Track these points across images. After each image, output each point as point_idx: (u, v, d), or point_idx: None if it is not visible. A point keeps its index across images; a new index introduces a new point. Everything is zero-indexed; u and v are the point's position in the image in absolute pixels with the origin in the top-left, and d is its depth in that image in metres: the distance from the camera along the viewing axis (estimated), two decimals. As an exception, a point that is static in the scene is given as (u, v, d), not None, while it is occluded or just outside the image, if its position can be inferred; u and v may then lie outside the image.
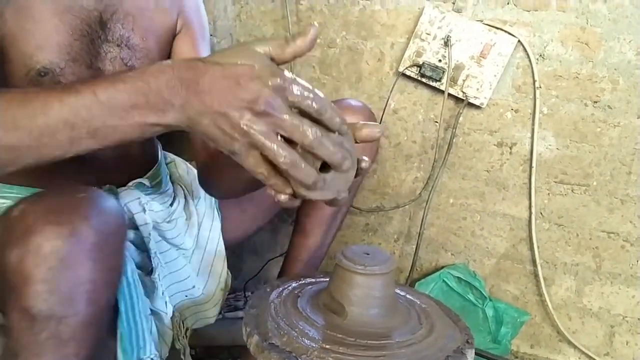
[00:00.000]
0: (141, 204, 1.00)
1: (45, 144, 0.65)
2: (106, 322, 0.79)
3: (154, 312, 0.99)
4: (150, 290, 0.99)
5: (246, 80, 0.59)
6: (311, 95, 0.60)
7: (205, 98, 0.60)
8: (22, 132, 0.64)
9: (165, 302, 1.00)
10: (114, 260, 0.74)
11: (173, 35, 1.08)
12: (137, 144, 1.06)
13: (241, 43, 0.63)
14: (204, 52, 1.12)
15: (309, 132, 0.60)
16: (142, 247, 1.02)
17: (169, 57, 1.08)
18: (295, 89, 0.60)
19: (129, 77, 0.63)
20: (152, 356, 0.92)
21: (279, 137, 0.60)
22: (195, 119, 0.62)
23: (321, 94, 0.62)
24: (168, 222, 1.05)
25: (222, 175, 1.02)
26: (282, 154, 0.60)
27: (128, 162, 1.05)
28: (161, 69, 0.63)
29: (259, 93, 0.59)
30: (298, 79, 0.61)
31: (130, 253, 1.00)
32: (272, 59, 0.62)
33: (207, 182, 1.07)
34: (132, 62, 0.99)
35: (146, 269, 1.00)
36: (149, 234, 1.00)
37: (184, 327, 1.07)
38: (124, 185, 1.03)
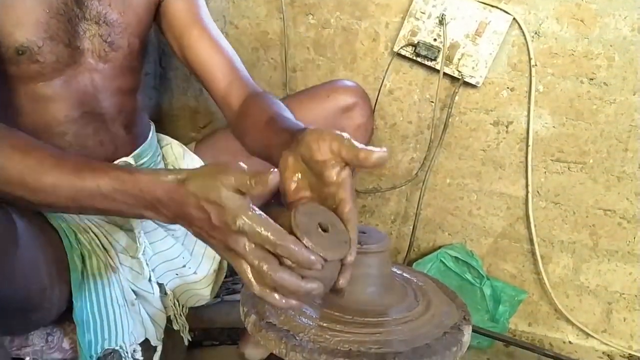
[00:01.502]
0: None
1: (51, 210, 0.81)
2: None
3: (140, 296, 1.00)
4: (135, 273, 0.99)
5: (216, 219, 0.64)
6: (271, 239, 0.63)
7: (190, 221, 0.68)
8: (34, 196, 0.73)
9: (151, 283, 1.00)
10: None
11: (156, 5, 1.08)
12: (121, 124, 1.06)
13: (211, 172, 0.67)
14: (201, 10, 1.12)
15: (274, 274, 0.63)
16: (128, 227, 1.02)
17: (149, 28, 1.08)
18: (254, 235, 0.63)
19: (128, 182, 0.70)
20: (122, 345, 0.93)
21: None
22: (182, 226, 0.71)
23: (281, 234, 0.63)
24: None
25: (244, 141, 1.04)
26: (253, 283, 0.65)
27: (112, 140, 1.04)
28: (154, 183, 0.69)
29: (225, 236, 0.64)
30: (259, 221, 0.63)
31: (115, 236, 1.00)
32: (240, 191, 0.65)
33: (238, 139, 1.08)
34: (112, 37, 0.99)
35: (132, 250, 1.00)
36: None
37: (179, 305, 1.07)
38: None
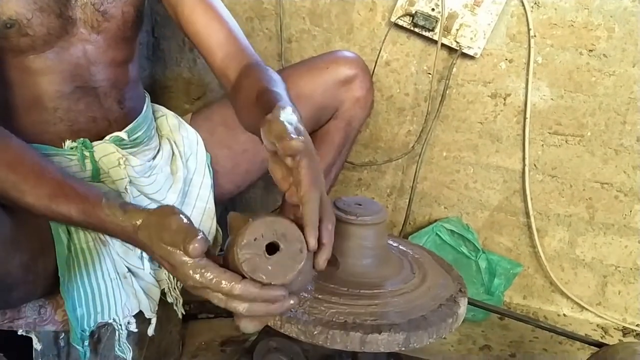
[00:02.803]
0: (117, 159, 0.99)
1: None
2: None
3: (132, 271, 0.99)
4: (126, 248, 0.98)
5: (170, 270, 0.69)
6: (226, 290, 0.64)
7: (159, 261, 0.71)
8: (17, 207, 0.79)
9: (142, 259, 1.00)
10: None
11: None
12: (115, 99, 1.04)
13: (157, 220, 0.70)
14: None
15: (249, 309, 0.66)
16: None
17: None
18: (210, 286, 0.65)
19: (94, 217, 0.76)
20: (115, 318, 0.94)
21: None
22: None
23: (234, 282, 0.64)
24: (148, 176, 1.03)
25: (238, 113, 1.02)
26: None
27: (105, 115, 1.02)
28: (116, 229, 0.75)
29: (184, 280, 0.67)
30: (208, 280, 0.64)
31: None
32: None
33: (234, 108, 1.05)
34: (105, 6, 0.96)
35: None
36: (125, 188, 0.99)
37: (173, 278, 1.07)
38: (101, 139, 1.01)
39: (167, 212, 0.70)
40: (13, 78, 0.93)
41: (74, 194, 0.78)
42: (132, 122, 1.07)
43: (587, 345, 1.17)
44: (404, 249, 0.96)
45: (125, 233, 0.74)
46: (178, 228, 0.66)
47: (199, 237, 0.63)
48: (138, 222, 0.72)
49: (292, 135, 0.65)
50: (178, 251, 0.65)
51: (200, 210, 1.14)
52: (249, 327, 0.71)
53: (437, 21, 1.40)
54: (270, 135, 0.67)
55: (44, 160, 0.83)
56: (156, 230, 0.68)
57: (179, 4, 1.06)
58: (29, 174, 0.78)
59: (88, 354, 0.90)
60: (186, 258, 0.64)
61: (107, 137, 1.02)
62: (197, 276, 0.64)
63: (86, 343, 0.89)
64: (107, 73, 1.02)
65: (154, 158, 1.09)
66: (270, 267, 0.64)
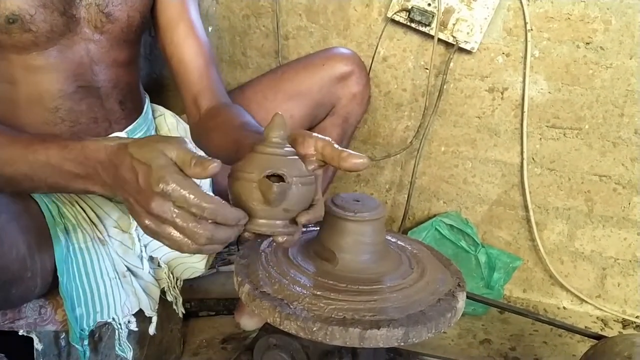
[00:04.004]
0: None
1: (11, 188, 0.79)
2: None
3: (131, 270, 0.99)
4: (126, 248, 0.98)
5: (142, 180, 0.64)
6: (200, 203, 0.62)
7: (122, 185, 0.67)
8: None
9: (142, 259, 1.00)
10: None
11: None
12: (116, 100, 1.04)
13: (156, 138, 0.68)
14: (191, 7, 1.10)
15: (196, 235, 0.63)
16: (119, 199, 1.01)
17: (152, 3, 1.06)
18: (179, 198, 0.62)
19: (75, 149, 0.72)
20: (115, 317, 0.94)
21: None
22: (118, 196, 0.70)
23: (207, 200, 0.63)
24: None
25: (208, 139, 1.02)
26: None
27: (106, 116, 1.03)
28: (99, 147, 0.71)
29: (148, 200, 0.63)
30: (185, 184, 0.63)
31: (105, 209, 0.99)
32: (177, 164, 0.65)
33: (198, 141, 1.07)
34: (109, 8, 0.96)
35: (125, 224, 1.00)
36: None
37: (173, 278, 1.07)
38: None
39: (173, 137, 0.69)
40: (16, 75, 0.93)
41: (52, 138, 0.76)
42: (132, 122, 1.08)
43: (586, 337, 1.17)
44: (403, 244, 0.96)
45: (110, 151, 0.69)
46: (188, 149, 0.66)
47: (216, 160, 0.64)
48: (127, 142, 0.69)
49: (352, 152, 0.72)
50: (171, 162, 0.64)
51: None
52: (249, 324, 0.72)
53: (433, 16, 1.40)
54: (326, 145, 0.75)
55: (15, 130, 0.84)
56: (154, 143, 0.66)
57: (170, 27, 1.09)
58: (1, 134, 0.78)
59: (88, 353, 0.90)
60: (175, 167, 0.64)
61: (106, 137, 1.02)
62: (173, 185, 0.62)
63: (85, 342, 0.89)
64: (110, 73, 1.02)
65: None
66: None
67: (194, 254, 0.65)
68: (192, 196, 0.62)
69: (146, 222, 0.65)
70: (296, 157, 0.73)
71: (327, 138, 0.75)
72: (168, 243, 0.65)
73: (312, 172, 0.74)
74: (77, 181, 0.74)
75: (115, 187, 0.69)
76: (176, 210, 0.62)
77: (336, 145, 0.74)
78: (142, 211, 0.65)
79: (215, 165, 0.63)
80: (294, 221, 0.73)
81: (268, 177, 0.68)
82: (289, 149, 0.73)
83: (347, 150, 0.72)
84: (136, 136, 1.08)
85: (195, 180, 1.03)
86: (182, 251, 0.65)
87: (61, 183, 0.75)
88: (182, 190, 0.62)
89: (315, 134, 0.76)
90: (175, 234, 0.64)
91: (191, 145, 0.66)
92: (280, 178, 0.69)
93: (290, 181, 0.69)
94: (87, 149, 0.72)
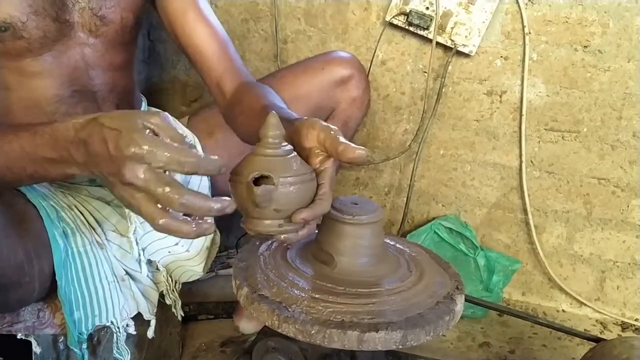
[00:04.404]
0: None
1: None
2: None
3: (130, 274, 0.99)
4: (124, 252, 0.98)
5: (112, 147, 0.59)
6: (178, 158, 0.59)
7: (95, 160, 0.63)
8: None
9: (140, 263, 1.00)
10: None
11: None
12: (113, 104, 1.04)
13: (133, 110, 0.69)
14: None
15: (180, 197, 0.58)
16: (117, 203, 1.01)
17: (145, 3, 1.06)
18: (157, 157, 0.58)
19: (46, 133, 0.68)
20: (113, 321, 0.94)
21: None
22: (95, 174, 0.65)
23: (185, 154, 0.59)
24: None
25: (237, 126, 1.03)
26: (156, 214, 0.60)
27: None
28: (67, 127, 0.66)
29: (120, 167, 0.58)
30: (157, 142, 0.59)
31: (104, 213, 0.99)
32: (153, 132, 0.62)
33: (228, 123, 1.09)
34: (103, 11, 0.96)
35: (123, 228, 1.00)
36: None
37: (172, 281, 1.07)
38: None
39: (150, 111, 0.66)
40: (11, 82, 0.93)
41: (25, 126, 0.72)
42: None
43: (586, 340, 1.17)
44: (401, 247, 0.96)
45: (80, 127, 0.65)
46: (166, 120, 0.63)
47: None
48: (97, 115, 0.65)
49: (351, 144, 0.72)
50: (142, 126, 0.60)
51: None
52: (249, 327, 0.71)
53: (431, 20, 1.41)
54: (327, 137, 0.74)
55: None
56: (131, 114, 0.63)
57: (179, 17, 1.08)
58: None
59: (86, 356, 0.90)
60: (145, 130, 0.60)
61: None
62: (145, 146, 0.58)
63: (84, 346, 0.89)
64: (106, 77, 1.02)
65: None
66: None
67: (165, 229, 0.60)
68: (167, 153, 0.58)
69: (121, 192, 0.61)
70: (293, 154, 0.74)
71: (330, 127, 0.75)
72: (143, 214, 0.61)
73: (320, 165, 0.75)
74: (54, 166, 0.69)
75: (89, 164, 0.65)
76: (149, 173, 0.58)
77: (339, 137, 0.73)
78: (116, 181, 0.61)
79: (219, 163, 0.61)
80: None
81: (258, 179, 0.70)
82: (285, 147, 0.74)
83: (346, 142, 0.72)
84: None
85: (194, 181, 1.02)
86: (154, 224, 0.60)
87: (39, 171, 0.71)
88: (156, 150, 0.58)
89: (320, 124, 0.76)
90: (146, 203, 0.60)
91: (172, 120, 0.64)
92: (269, 179, 0.70)
93: (276, 182, 0.69)
94: (56, 131, 0.67)
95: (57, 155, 0.68)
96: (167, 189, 0.58)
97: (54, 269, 0.87)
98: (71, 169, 0.68)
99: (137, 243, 0.98)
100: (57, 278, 0.87)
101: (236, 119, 1.03)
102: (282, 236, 0.73)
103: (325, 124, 0.76)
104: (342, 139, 0.73)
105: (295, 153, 0.75)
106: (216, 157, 0.62)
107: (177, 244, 1.05)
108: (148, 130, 0.60)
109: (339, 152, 0.72)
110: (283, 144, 0.74)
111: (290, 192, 0.71)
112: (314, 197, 0.74)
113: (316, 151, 0.76)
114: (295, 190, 0.71)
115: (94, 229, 0.96)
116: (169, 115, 0.65)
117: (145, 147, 0.57)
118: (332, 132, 0.74)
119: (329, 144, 0.74)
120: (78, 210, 0.96)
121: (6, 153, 0.71)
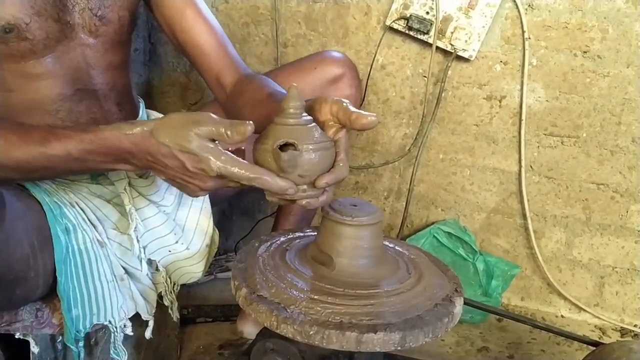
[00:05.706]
0: None
1: (31, 179, 0.89)
2: None
3: (128, 272, 0.99)
4: (124, 249, 0.98)
5: (192, 166, 0.76)
6: (246, 176, 0.75)
7: (161, 168, 0.79)
8: (12, 172, 0.81)
9: (141, 261, 1.00)
10: None
11: None
12: (114, 102, 1.05)
13: (181, 121, 0.77)
14: None
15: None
16: (117, 201, 1.01)
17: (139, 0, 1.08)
18: (231, 175, 0.75)
19: (94, 142, 0.79)
20: (111, 320, 0.94)
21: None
22: (154, 174, 0.84)
23: (254, 169, 0.76)
24: (146, 178, 1.04)
25: (240, 117, 1.03)
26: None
27: (105, 117, 1.03)
28: (119, 138, 0.78)
29: (204, 181, 0.78)
30: (233, 162, 0.76)
31: (104, 211, 0.99)
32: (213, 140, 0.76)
33: (231, 116, 1.10)
34: (102, 11, 0.98)
35: (124, 226, 1.00)
36: (125, 189, 1.00)
37: (170, 282, 1.07)
38: None
39: (193, 113, 0.78)
40: (13, 84, 0.94)
41: (68, 131, 0.80)
42: None
43: (585, 345, 1.17)
44: (400, 249, 0.96)
45: (135, 141, 0.77)
46: (217, 121, 0.75)
47: (248, 122, 0.74)
48: (149, 127, 0.77)
49: (362, 112, 0.79)
50: (210, 143, 0.75)
51: (197, 210, 1.14)
52: (253, 332, 0.73)
53: (431, 24, 1.41)
54: (339, 108, 0.81)
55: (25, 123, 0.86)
56: (184, 127, 0.75)
57: (176, 14, 1.09)
58: (9, 133, 0.80)
59: (82, 354, 0.90)
60: (217, 148, 0.75)
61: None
62: (225, 167, 0.74)
63: (80, 344, 0.89)
64: (106, 76, 1.03)
65: None
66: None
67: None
68: (241, 171, 0.74)
69: (199, 194, 0.81)
70: (313, 124, 0.80)
71: (341, 100, 0.82)
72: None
73: (334, 135, 0.82)
74: (105, 165, 0.82)
75: (148, 168, 0.81)
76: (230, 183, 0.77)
77: (350, 108, 0.80)
78: (197, 188, 0.79)
79: (249, 126, 0.73)
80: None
81: (282, 146, 0.76)
82: (305, 117, 0.80)
83: (357, 111, 0.79)
84: None
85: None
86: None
87: (87, 169, 0.86)
88: (231, 168, 0.74)
89: (331, 98, 0.83)
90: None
91: (214, 116, 0.76)
92: (293, 146, 0.76)
93: (300, 149, 0.76)
94: (107, 141, 0.78)
95: (111, 159, 0.80)
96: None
97: (55, 265, 0.87)
98: (124, 167, 0.83)
99: (137, 240, 0.99)
100: (57, 274, 0.87)
101: (240, 110, 1.04)
102: (305, 201, 0.80)
103: (337, 97, 0.83)
104: (353, 108, 0.79)
105: (315, 123, 0.80)
106: (285, 180, 0.77)
107: (177, 242, 1.05)
108: (215, 146, 0.75)
109: (352, 120, 0.78)
110: (304, 114, 0.80)
111: (313, 158, 0.77)
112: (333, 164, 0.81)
113: (330, 123, 0.82)
114: (318, 157, 0.78)
115: (94, 226, 0.96)
116: (213, 116, 0.77)
117: (224, 166, 0.75)
118: (343, 104, 0.80)
119: (342, 114, 0.80)
120: (79, 207, 0.96)
121: (48, 157, 0.79)
